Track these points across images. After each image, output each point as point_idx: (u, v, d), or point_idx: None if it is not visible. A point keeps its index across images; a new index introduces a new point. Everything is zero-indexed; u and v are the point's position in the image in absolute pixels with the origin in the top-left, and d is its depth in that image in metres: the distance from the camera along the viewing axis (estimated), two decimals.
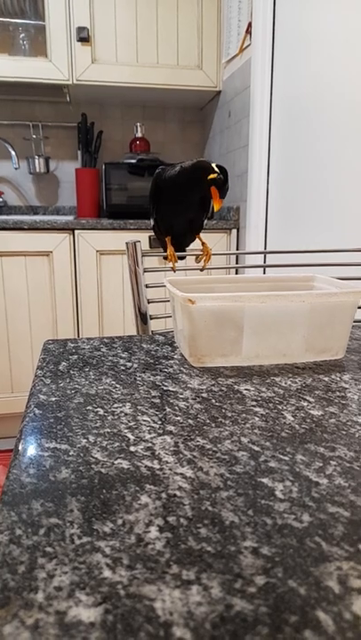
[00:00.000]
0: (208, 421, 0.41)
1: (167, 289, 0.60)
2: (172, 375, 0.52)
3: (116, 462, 0.34)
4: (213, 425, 0.40)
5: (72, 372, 0.53)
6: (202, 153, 2.50)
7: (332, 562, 0.24)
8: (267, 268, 1.43)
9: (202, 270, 0.79)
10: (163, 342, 0.65)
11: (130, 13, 1.96)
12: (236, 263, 1.97)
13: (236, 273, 1.77)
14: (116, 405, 0.44)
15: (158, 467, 0.33)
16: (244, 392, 0.47)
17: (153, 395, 0.47)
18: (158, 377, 0.52)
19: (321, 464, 0.34)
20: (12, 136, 2.30)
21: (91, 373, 0.52)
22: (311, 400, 0.46)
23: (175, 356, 0.59)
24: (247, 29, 1.76)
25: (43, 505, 0.29)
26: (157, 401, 0.45)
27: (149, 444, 0.36)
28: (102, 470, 0.33)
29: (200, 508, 0.29)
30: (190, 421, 0.41)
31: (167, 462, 0.34)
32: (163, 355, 0.60)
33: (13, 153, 2.24)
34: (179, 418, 0.41)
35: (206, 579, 0.23)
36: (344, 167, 1.27)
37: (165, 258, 0.79)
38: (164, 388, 0.48)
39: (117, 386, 0.49)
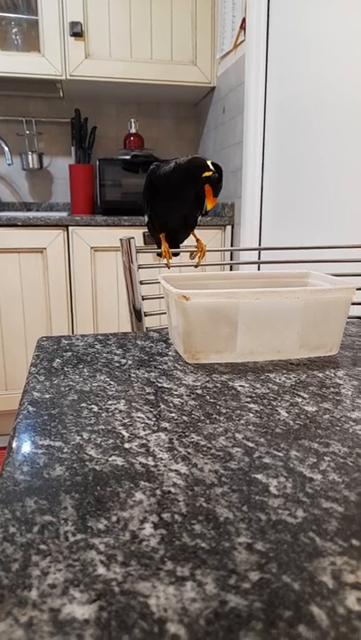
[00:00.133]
0: (203, 418, 0.41)
1: (161, 285, 0.59)
2: (167, 372, 0.52)
3: (110, 459, 0.34)
4: (208, 421, 0.40)
5: (66, 369, 0.52)
6: (196, 149, 2.49)
7: (325, 557, 0.24)
8: (261, 265, 1.43)
9: (196, 267, 0.79)
10: (157, 339, 0.65)
11: (124, 8, 1.95)
12: (231, 259, 1.97)
13: (231, 269, 1.77)
14: (110, 402, 0.44)
15: (153, 463, 0.33)
16: (239, 388, 0.47)
17: (147, 391, 0.47)
18: (153, 374, 0.51)
19: (315, 460, 0.34)
20: (5, 132, 2.29)
21: (85, 370, 0.52)
22: (305, 396, 0.46)
23: (170, 353, 0.59)
24: (241, 25, 1.75)
25: (37, 502, 0.29)
26: (152, 398, 0.45)
27: (144, 441, 0.36)
28: (96, 467, 0.33)
29: (194, 504, 0.29)
30: (185, 418, 0.41)
31: (162, 459, 0.34)
32: (157, 351, 0.59)
33: (6, 149, 2.23)
34: (173, 414, 0.41)
35: (201, 575, 0.23)
36: (338, 163, 1.27)
37: (159, 254, 0.79)
38: (159, 385, 0.48)
39: (112, 383, 0.49)
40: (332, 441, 0.37)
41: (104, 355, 0.58)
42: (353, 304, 0.72)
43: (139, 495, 0.29)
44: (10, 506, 0.28)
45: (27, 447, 0.35)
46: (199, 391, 0.47)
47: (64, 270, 1.89)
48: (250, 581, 0.23)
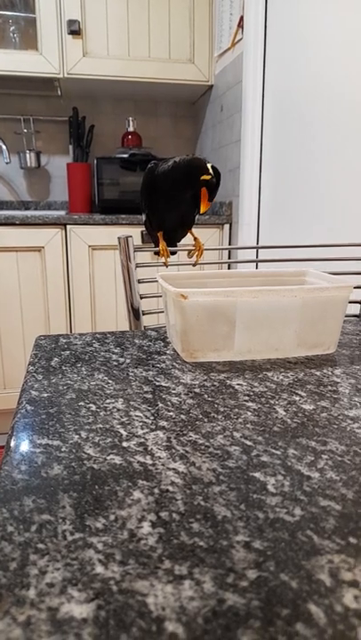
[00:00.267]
0: (200, 416, 0.41)
1: (159, 284, 0.59)
2: (165, 370, 0.52)
3: (108, 458, 0.34)
4: (206, 420, 0.40)
5: (64, 368, 0.52)
6: (194, 148, 2.49)
7: (323, 555, 0.24)
8: (259, 263, 1.43)
9: (194, 265, 0.79)
10: (155, 338, 0.65)
11: (121, 6, 1.94)
12: (229, 258, 1.97)
13: (229, 268, 1.77)
14: (108, 401, 0.44)
15: (151, 462, 0.33)
16: (237, 387, 0.47)
17: (145, 390, 0.47)
18: (151, 372, 0.51)
19: (313, 458, 0.34)
20: (2, 130, 2.28)
21: (83, 369, 0.52)
22: (303, 394, 0.46)
23: (168, 352, 0.59)
24: (239, 23, 1.75)
25: (35, 501, 0.29)
26: (150, 396, 0.45)
27: (142, 440, 0.36)
28: (95, 466, 0.33)
29: (192, 502, 0.29)
30: (183, 416, 0.41)
31: (160, 457, 0.34)
32: (155, 350, 0.59)
33: (4, 147, 2.22)
34: (171, 413, 0.41)
35: (199, 573, 0.23)
36: (337, 162, 1.27)
37: (157, 253, 0.79)
38: (157, 384, 0.48)
39: (110, 381, 0.49)
40: (330, 439, 0.37)
41: (102, 353, 0.58)
42: (350, 302, 0.72)
43: (137, 494, 0.29)
44: (8, 505, 0.28)
45: (25, 446, 0.35)
46: (197, 390, 0.47)
47: (62, 269, 1.89)
48: (248, 580, 0.23)
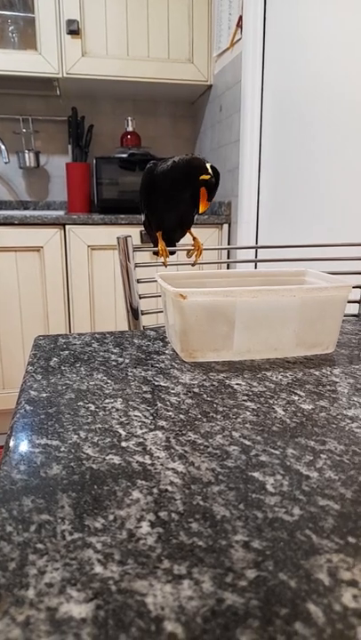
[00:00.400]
0: (199, 416, 0.41)
1: (158, 284, 0.59)
2: (164, 370, 0.52)
3: (107, 458, 0.34)
4: (205, 420, 0.40)
5: (63, 368, 0.52)
6: (193, 147, 2.49)
7: (322, 554, 0.24)
8: (258, 263, 1.43)
9: (193, 265, 0.79)
10: (154, 337, 0.65)
11: (120, 6, 1.94)
12: (228, 258, 1.97)
13: (228, 268, 1.77)
14: (107, 401, 0.44)
15: (150, 462, 0.33)
16: (236, 387, 0.48)
17: (144, 390, 0.47)
18: (150, 372, 0.51)
19: (311, 457, 0.34)
20: (1, 130, 2.28)
21: (82, 369, 0.52)
22: (302, 394, 0.46)
23: (167, 352, 0.59)
24: (238, 23, 1.75)
25: (34, 501, 0.29)
26: (149, 396, 0.45)
27: (141, 440, 0.36)
28: (94, 466, 0.33)
29: (191, 502, 0.29)
30: (182, 416, 0.41)
31: (159, 457, 0.34)
32: (154, 350, 0.59)
33: (3, 147, 2.22)
34: (170, 413, 0.41)
35: (198, 573, 0.23)
36: (336, 162, 1.28)
37: (156, 253, 0.79)
38: (156, 384, 0.48)
39: (109, 381, 0.49)
40: (329, 439, 0.37)
41: (101, 353, 0.58)
42: (349, 302, 0.72)
43: (136, 494, 0.29)
44: (7, 505, 0.28)
45: (24, 446, 0.35)
46: (196, 389, 0.47)
47: (61, 269, 1.88)
48: (247, 579, 0.23)
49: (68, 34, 1.90)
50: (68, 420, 0.40)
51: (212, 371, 0.52)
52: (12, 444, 0.36)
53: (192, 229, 0.78)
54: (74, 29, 1.89)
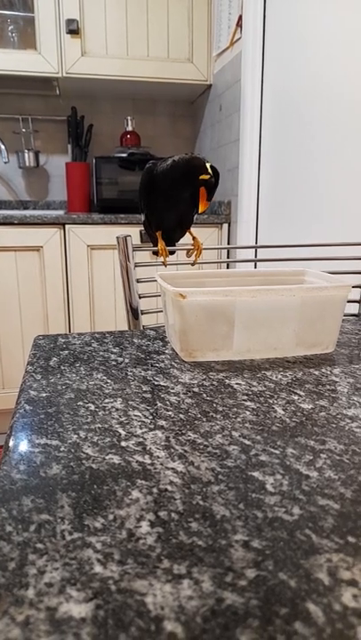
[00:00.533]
0: (199, 416, 0.41)
1: (158, 283, 0.59)
2: (164, 370, 0.52)
3: (107, 457, 0.34)
4: (204, 419, 0.40)
5: (63, 368, 0.52)
6: (193, 147, 2.49)
7: (322, 554, 0.24)
8: (258, 263, 1.43)
9: (193, 265, 0.79)
10: (154, 337, 0.65)
11: (120, 5, 1.94)
12: (228, 258, 1.97)
13: (228, 267, 1.77)
14: (107, 401, 0.44)
15: (149, 461, 0.33)
16: (235, 386, 0.48)
17: (144, 390, 0.47)
18: (149, 372, 0.51)
19: (311, 457, 0.34)
20: (1, 130, 2.28)
21: (82, 369, 0.52)
22: (302, 394, 0.46)
23: (166, 351, 0.59)
24: (238, 22, 1.75)
25: (33, 501, 0.29)
26: (149, 396, 0.45)
27: (140, 439, 0.36)
28: (93, 466, 0.33)
29: (191, 502, 0.29)
30: (181, 416, 0.41)
31: (158, 457, 0.34)
32: (154, 349, 0.59)
33: (3, 147, 2.22)
34: (170, 412, 0.41)
35: (197, 573, 0.23)
36: (336, 161, 1.27)
37: (156, 253, 0.79)
38: (156, 383, 0.48)
39: (108, 381, 0.49)
40: (329, 438, 0.37)
41: (101, 353, 0.58)
42: (349, 301, 0.72)
43: (135, 493, 0.29)
44: (6, 505, 0.28)
45: (23, 446, 0.35)
46: (196, 389, 0.47)
47: (61, 269, 1.88)
48: (246, 579, 0.23)
49: (67, 33, 1.90)
50: (68, 420, 0.40)
51: (212, 370, 0.52)
52: (11, 443, 0.36)
53: (192, 229, 0.78)
54: (73, 29, 1.89)
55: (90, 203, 2.25)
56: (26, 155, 2.26)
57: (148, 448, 0.35)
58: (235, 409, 0.42)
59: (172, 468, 0.32)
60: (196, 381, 0.49)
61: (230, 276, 0.69)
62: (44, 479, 0.31)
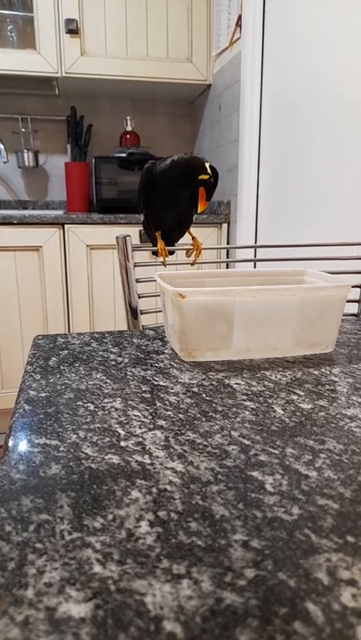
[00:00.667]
0: (199, 416, 0.41)
1: (158, 283, 0.59)
2: (163, 370, 0.52)
3: (106, 457, 0.34)
4: (204, 419, 0.40)
5: (62, 368, 0.52)
6: (192, 147, 2.49)
7: (321, 554, 0.24)
8: (257, 263, 1.43)
9: (192, 265, 0.79)
10: (153, 337, 0.65)
11: (119, 5, 1.94)
12: (227, 257, 1.97)
13: (227, 267, 1.77)
14: (106, 400, 0.44)
15: (149, 461, 0.33)
16: (235, 386, 0.48)
17: (143, 389, 0.47)
18: (149, 372, 0.51)
19: (310, 457, 0.34)
20: (0, 129, 2.28)
21: (81, 369, 0.52)
22: (301, 393, 0.46)
23: (166, 351, 0.59)
24: (237, 22, 1.75)
25: (33, 501, 0.29)
26: (148, 396, 0.45)
27: (140, 439, 0.36)
28: (93, 466, 0.33)
29: (190, 502, 0.29)
30: (181, 416, 0.41)
31: (158, 457, 0.34)
32: (153, 349, 0.59)
33: (2, 147, 2.22)
34: (169, 412, 0.41)
35: (197, 572, 0.23)
36: (335, 161, 1.28)
37: (155, 253, 0.79)
38: (155, 383, 0.48)
39: (108, 381, 0.49)
40: (328, 438, 0.37)
41: (100, 353, 0.58)
42: (348, 301, 0.72)
43: (135, 493, 0.29)
44: (6, 505, 0.28)
45: (23, 446, 0.35)
46: (195, 389, 0.47)
47: (60, 268, 1.88)
48: (246, 578, 0.23)
49: (67, 33, 1.90)
50: (67, 420, 0.40)
51: (212, 370, 0.52)
52: (11, 443, 0.36)
53: (191, 229, 0.78)
54: (73, 29, 1.89)
55: (89, 203, 2.25)
56: (25, 154, 2.26)
57: (147, 448, 0.35)
58: (234, 409, 0.42)
59: (172, 468, 0.32)
60: (195, 381, 0.49)
61: (230, 276, 0.69)
62: (44, 479, 0.31)
